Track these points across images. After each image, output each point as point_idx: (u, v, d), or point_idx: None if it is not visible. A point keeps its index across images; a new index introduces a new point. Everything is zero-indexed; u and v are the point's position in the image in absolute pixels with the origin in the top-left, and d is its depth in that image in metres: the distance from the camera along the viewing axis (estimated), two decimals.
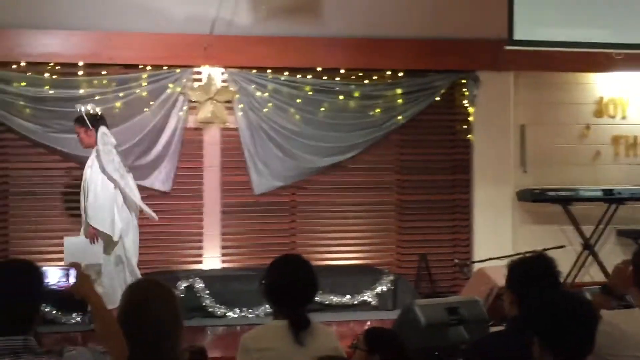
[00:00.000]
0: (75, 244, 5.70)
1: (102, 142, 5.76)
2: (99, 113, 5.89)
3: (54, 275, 2.61)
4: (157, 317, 2.58)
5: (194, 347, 3.35)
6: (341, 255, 7.06)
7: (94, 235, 5.69)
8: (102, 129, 5.80)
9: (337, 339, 3.17)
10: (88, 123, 5.77)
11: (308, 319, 3.03)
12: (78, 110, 5.83)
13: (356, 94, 6.98)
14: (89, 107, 5.85)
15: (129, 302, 2.64)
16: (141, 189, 6.69)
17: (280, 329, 2.99)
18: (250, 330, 3.14)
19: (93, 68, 6.67)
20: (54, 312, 6.24)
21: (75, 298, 2.60)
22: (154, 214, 6.08)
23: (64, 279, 2.63)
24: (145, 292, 2.66)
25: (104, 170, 5.72)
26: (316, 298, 3.64)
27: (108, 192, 5.73)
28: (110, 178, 5.73)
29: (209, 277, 6.53)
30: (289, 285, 3.04)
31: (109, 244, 5.78)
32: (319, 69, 6.94)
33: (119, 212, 5.79)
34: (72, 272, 2.62)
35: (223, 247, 6.91)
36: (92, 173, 5.75)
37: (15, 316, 2.40)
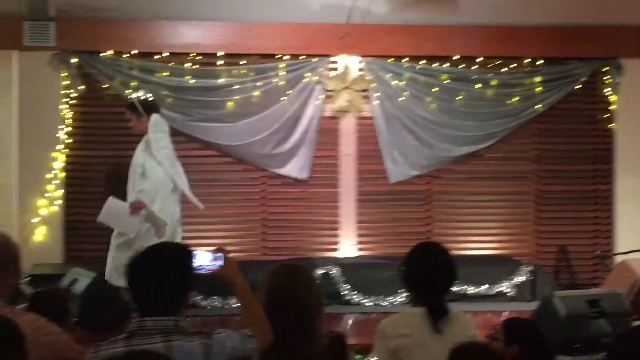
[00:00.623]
0: (117, 207, 5.98)
1: (154, 130, 6.03)
2: (151, 99, 6.21)
3: (202, 259, 2.69)
4: (303, 300, 2.75)
5: (334, 333, 3.53)
6: (478, 245, 7.36)
7: (138, 208, 5.92)
8: (155, 116, 6.02)
9: (475, 327, 3.26)
10: (140, 110, 6.06)
11: (446, 306, 3.14)
12: (130, 98, 6.16)
13: (493, 83, 7.26)
14: (141, 94, 6.20)
15: (276, 285, 2.80)
16: (279, 177, 7.16)
17: (418, 316, 3.11)
18: (386, 317, 3.29)
19: (232, 58, 7.16)
20: (196, 296, 6.69)
21: (223, 281, 2.71)
22: (200, 204, 6.29)
23: (212, 262, 2.71)
24: (293, 276, 2.83)
25: (154, 157, 5.98)
26: (453, 288, 3.73)
27: (158, 178, 6.00)
28: (161, 164, 5.98)
29: (345, 264, 6.89)
30: (429, 272, 3.16)
31: (159, 229, 6.01)
32: (455, 57, 7.25)
33: (165, 200, 6.05)
34: (220, 256, 2.72)
35: (359, 235, 7.29)
36: (144, 159, 6.01)
37: (168, 297, 2.53)
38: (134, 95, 6.15)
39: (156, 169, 5.98)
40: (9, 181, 6.91)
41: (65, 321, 3.37)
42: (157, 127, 6.01)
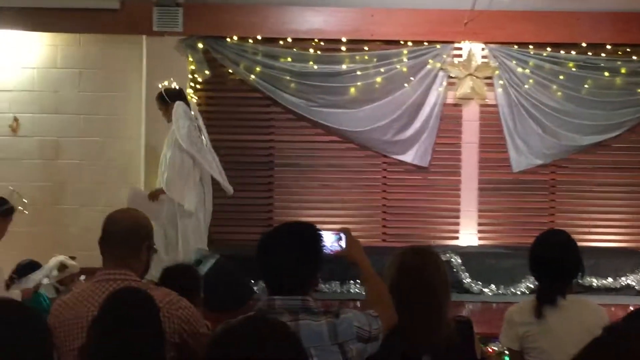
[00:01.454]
0: (138, 195, 6.58)
1: (175, 117, 6.43)
2: (177, 87, 6.74)
3: (327, 239, 2.82)
4: (430, 283, 2.91)
5: (462, 318, 3.59)
6: (603, 237, 7.72)
7: (156, 195, 6.51)
8: (177, 104, 6.48)
9: (607, 317, 3.35)
10: (167, 99, 6.61)
11: (568, 290, 3.31)
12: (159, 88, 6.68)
13: (623, 71, 7.58)
14: (166, 83, 6.72)
15: (404, 266, 2.94)
16: (400, 163, 7.63)
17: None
18: (511, 305, 3.52)
19: (355, 44, 7.67)
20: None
21: (347, 261, 2.88)
22: (230, 188, 6.82)
23: (336, 243, 2.87)
24: (421, 258, 2.98)
25: (179, 145, 6.42)
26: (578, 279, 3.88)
27: (185, 167, 6.50)
28: (187, 152, 6.44)
29: (466, 253, 7.30)
30: (554, 258, 3.31)
31: (183, 215, 6.54)
32: (583, 44, 7.60)
33: (194, 188, 6.56)
34: (344, 237, 2.88)
35: (479, 224, 7.74)
36: (167, 148, 6.58)
37: (298, 277, 2.63)
38: (160, 86, 6.72)
39: (177, 157, 6.48)
40: (137, 161, 7.60)
41: (195, 297, 3.56)
42: (178, 114, 6.46)
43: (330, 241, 2.86)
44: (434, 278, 2.92)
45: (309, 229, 2.73)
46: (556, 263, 3.32)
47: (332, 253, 2.87)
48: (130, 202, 6.21)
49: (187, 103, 6.71)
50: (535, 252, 3.42)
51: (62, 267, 5.80)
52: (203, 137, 6.72)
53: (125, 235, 3.01)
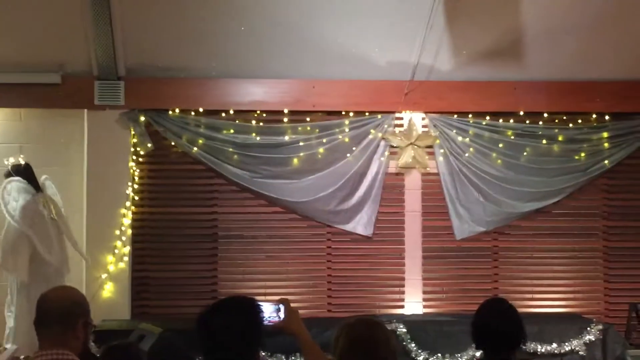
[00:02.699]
0: None
1: (5, 191, 6.56)
2: (22, 163, 6.86)
3: (266, 311, 2.89)
4: (380, 355, 2.95)
5: None
6: (546, 303, 7.90)
7: None
8: (9, 180, 6.65)
9: None
10: (12, 174, 6.76)
11: None
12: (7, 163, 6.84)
13: (560, 138, 7.85)
14: (13, 159, 6.86)
15: (354, 338, 2.97)
16: (344, 233, 7.76)
17: None
18: None
19: (297, 115, 7.85)
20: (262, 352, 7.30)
21: (285, 333, 2.94)
22: (87, 258, 6.96)
23: (275, 314, 2.94)
24: (371, 330, 3.01)
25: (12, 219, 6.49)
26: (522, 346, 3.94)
27: (18, 240, 6.52)
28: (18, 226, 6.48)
29: (411, 321, 7.35)
30: (497, 328, 3.38)
31: (20, 291, 6.54)
32: (521, 112, 7.86)
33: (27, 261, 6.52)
34: (282, 308, 2.95)
35: (424, 292, 7.85)
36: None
37: (238, 352, 2.68)
38: (7, 161, 6.86)
39: (10, 231, 6.55)
40: (79, 237, 7.62)
41: None
42: (6, 190, 6.59)
43: (269, 312, 2.93)
44: (385, 350, 2.96)
45: (248, 303, 2.79)
46: (498, 332, 3.38)
47: (270, 324, 2.93)
48: None
49: (33, 178, 6.76)
50: (476, 322, 3.48)
51: None
52: (48, 210, 6.73)
53: (60, 314, 3.02)
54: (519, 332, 3.43)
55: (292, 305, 3.09)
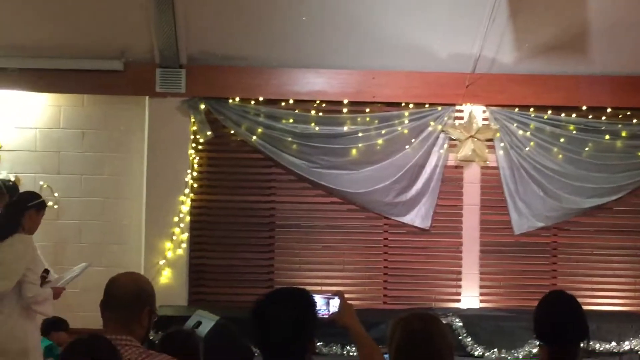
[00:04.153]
0: None
1: None
2: (11, 182, 6.95)
3: (318, 303, 2.91)
4: (438, 350, 2.91)
5: None
6: (605, 301, 7.89)
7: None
8: None
9: None
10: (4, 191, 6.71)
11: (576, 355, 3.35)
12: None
13: (623, 134, 7.83)
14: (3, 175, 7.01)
15: (411, 333, 2.93)
16: (401, 225, 7.86)
17: None
18: None
19: (357, 106, 7.93)
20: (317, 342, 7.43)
21: (337, 326, 2.97)
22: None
23: (325, 307, 3.01)
24: (428, 325, 2.96)
25: None
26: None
27: None
28: None
29: (468, 316, 7.43)
30: (559, 320, 3.39)
31: None
32: (583, 107, 7.86)
33: None
34: (335, 301, 2.99)
35: (481, 287, 7.92)
36: None
37: (294, 343, 2.73)
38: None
39: None
40: (139, 221, 7.84)
41: None
42: None
43: (321, 305, 3.00)
44: (441, 345, 2.94)
45: (302, 295, 2.85)
46: (564, 326, 3.38)
47: (322, 317, 2.98)
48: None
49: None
50: (541, 315, 3.47)
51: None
52: None
53: (128, 300, 3.07)
54: (584, 326, 3.44)
55: (347, 296, 3.15)
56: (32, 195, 5.91)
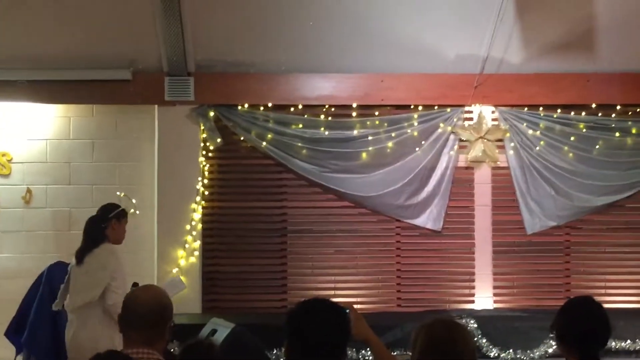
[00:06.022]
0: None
1: None
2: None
3: None
4: (461, 357, 2.96)
5: None
6: (619, 299, 7.98)
7: None
8: None
9: None
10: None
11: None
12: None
13: (634, 131, 7.91)
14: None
15: (434, 340, 2.98)
16: (413, 227, 7.97)
17: None
18: None
19: (366, 109, 8.03)
20: None
21: (355, 340, 3.02)
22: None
23: None
24: (451, 331, 3.01)
25: None
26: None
27: None
28: None
29: (482, 317, 7.48)
30: (589, 326, 3.42)
31: None
32: (593, 105, 7.96)
33: None
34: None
35: (495, 287, 8.02)
36: None
37: (328, 353, 2.83)
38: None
39: None
40: (151, 230, 7.96)
41: None
42: None
43: None
44: (464, 351, 2.99)
45: (333, 305, 2.98)
46: (596, 336, 3.45)
47: None
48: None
49: None
50: (567, 320, 3.48)
51: None
52: None
53: (152, 319, 3.13)
54: (608, 329, 3.50)
55: (361, 300, 3.26)
56: (112, 206, 6.20)
